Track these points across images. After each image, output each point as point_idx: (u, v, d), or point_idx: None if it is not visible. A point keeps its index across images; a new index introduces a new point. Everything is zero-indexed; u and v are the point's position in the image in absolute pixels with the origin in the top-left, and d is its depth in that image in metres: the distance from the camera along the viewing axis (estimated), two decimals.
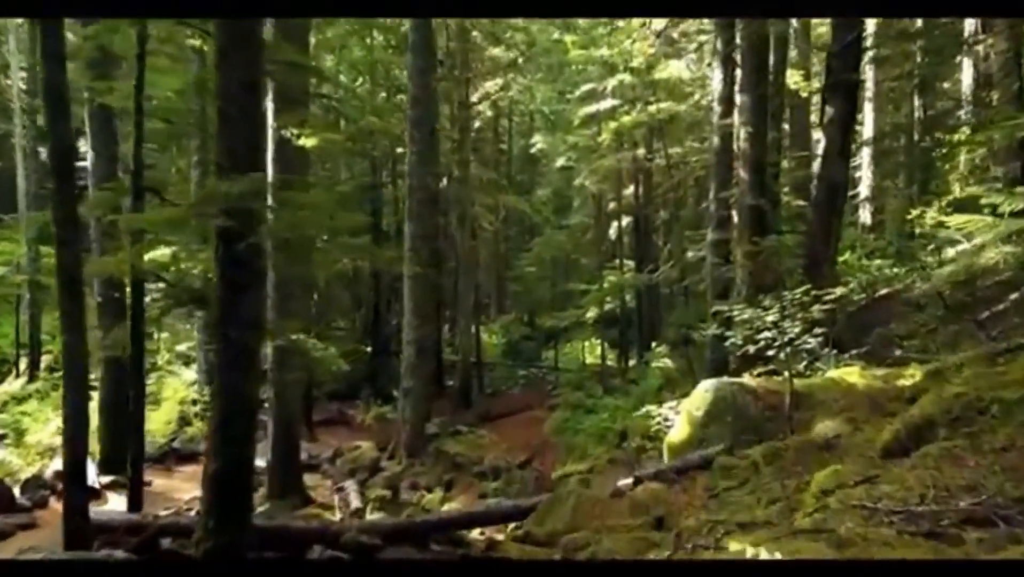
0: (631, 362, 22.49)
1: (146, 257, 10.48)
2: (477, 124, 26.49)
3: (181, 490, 11.16)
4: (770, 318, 7.96)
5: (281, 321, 10.04)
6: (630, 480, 8.00)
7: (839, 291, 7.56)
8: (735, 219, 12.04)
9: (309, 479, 12.14)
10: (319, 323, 26.20)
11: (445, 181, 21.94)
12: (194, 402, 14.17)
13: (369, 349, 22.79)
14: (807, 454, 5.84)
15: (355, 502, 11.00)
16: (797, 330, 8.01)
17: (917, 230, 18.78)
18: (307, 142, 9.76)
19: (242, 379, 5.99)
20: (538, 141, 23.31)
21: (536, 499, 7.78)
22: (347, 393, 20.71)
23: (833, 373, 8.04)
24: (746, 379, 8.10)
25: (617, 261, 23.84)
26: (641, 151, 19.70)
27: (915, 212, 18.11)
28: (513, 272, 27.20)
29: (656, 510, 6.17)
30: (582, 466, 12.10)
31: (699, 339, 16.37)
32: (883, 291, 15.49)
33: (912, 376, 7.29)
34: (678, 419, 8.34)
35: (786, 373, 8.61)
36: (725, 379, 8.11)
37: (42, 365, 16.85)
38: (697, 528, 4.92)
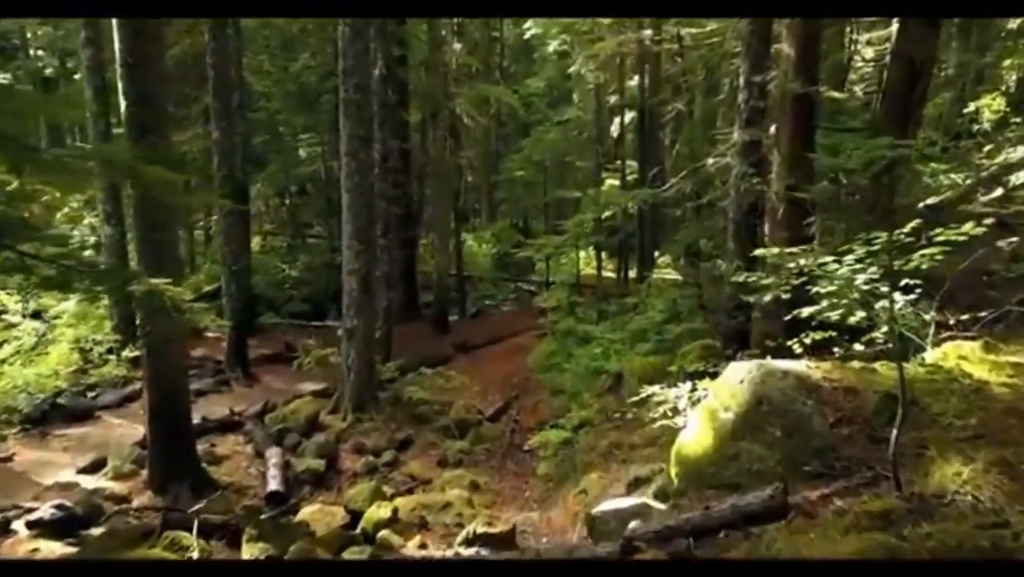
0: (631, 273, 19.51)
1: None
2: None
3: (52, 465, 8.42)
4: (843, 270, 4.85)
5: (141, 266, 7.01)
6: (622, 498, 5.14)
7: (968, 228, 4.38)
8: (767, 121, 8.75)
9: (225, 445, 9.42)
10: (291, 230, 23.22)
11: (424, 72, 18.30)
12: (97, 342, 11.25)
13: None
14: None
15: (274, 483, 8.27)
16: (885, 288, 4.96)
17: (975, 128, 15.30)
18: None
19: None
20: (530, 24, 19.34)
21: None
22: (313, 313, 17.86)
23: (938, 356, 4.97)
24: (801, 363, 5.05)
25: (618, 163, 20.43)
26: (648, 32, 15.89)
27: (974, 105, 14.65)
28: (500, 176, 23.69)
29: None
30: (565, 432, 9.29)
31: (712, 267, 13.28)
32: (929, 201, 12.33)
33: None
34: (695, 416, 5.36)
35: (846, 350, 5.59)
36: (769, 363, 5.06)
37: None
38: None
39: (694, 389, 5.70)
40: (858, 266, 4.81)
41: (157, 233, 7.19)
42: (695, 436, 5.16)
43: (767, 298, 5.78)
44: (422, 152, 18.21)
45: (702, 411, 5.24)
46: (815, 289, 5.66)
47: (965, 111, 14.62)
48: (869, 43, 17.00)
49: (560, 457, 9.10)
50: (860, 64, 17.79)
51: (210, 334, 13.66)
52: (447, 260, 16.34)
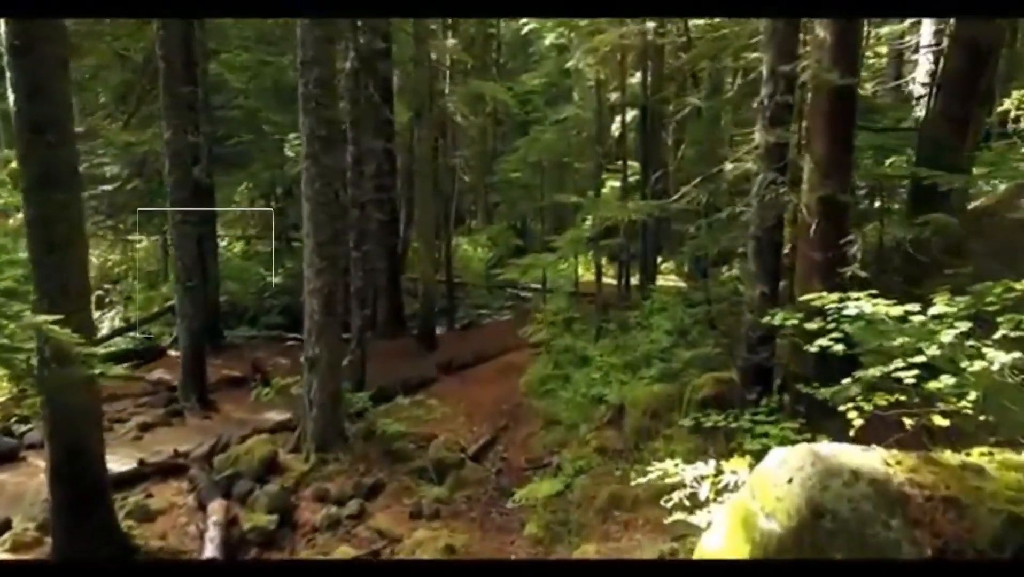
0: (632, 279, 18.05)
1: None
2: None
3: None
4: (944, 335, 3.44)
5: (37, 295, 5.60)
6: None
7: None
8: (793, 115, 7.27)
9: (164, 495, 7.99)
10: (278, 233, 21.74)
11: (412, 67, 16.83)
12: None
13: None
14: None
15: (211, 547, 6.85)
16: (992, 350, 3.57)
17: (1011, 127, 13.81)
18: None
19: None
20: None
21: None
22: (293, 325, 16.38)
23: None
24: (872, 455, 3.60)
25: (619, 163, 18.96)
26: (651, 24, 14.40)
27: (1008, 102, 13.18)
28: (495, 178, 22.21)
29: None
30: (558, 482, 7.85)
31: (723, 279, 11.88)
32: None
33: None
34: (723, 516, 3.91)
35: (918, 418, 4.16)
36: (826, 454, 3.60)
37: None
38: None
39: (719, 472, 4.26)
40: (956, 324, 3.41)
41: (56, 255, 5.77)
42: (725, 549, 3.71)
43: (845, 394, 4.32)
44: (411, 153, 16.78)
45: (733, 512, 3.79)
46: (878, 342, 4.27)
47: (998, 109, 13.13)
48: (878, 39, 15.55)
49: (551, 511, 7.69)
50: (871, 58, 16.33)
51: (172, 353, 12.27)
52: (433, 269, 14.90)
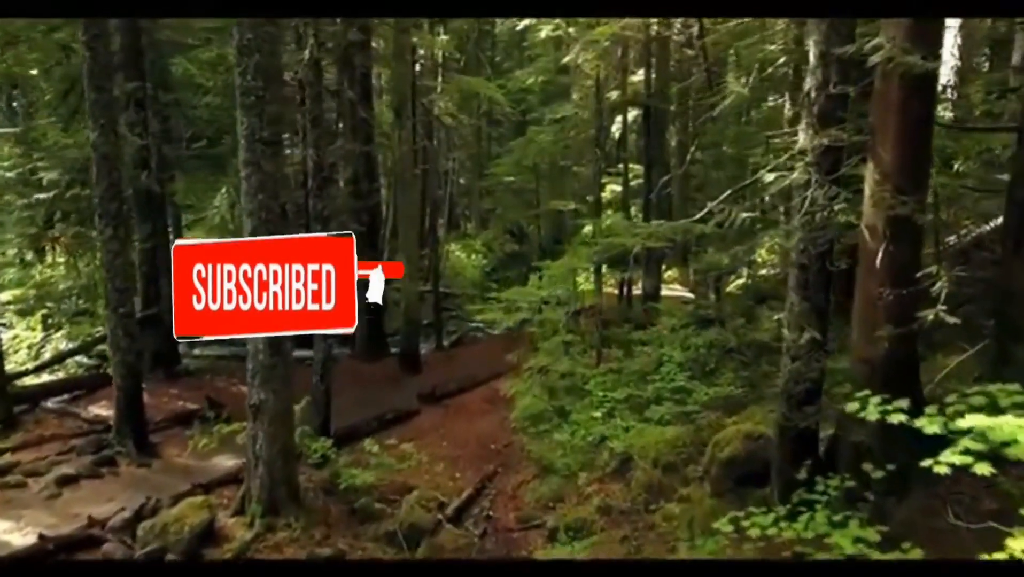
0: (635, 289, 16.42)
1: None
2: None
3: None
4: None
5: None
6: None
7: None
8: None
9: None
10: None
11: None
12: None
13: None
14: None
15: None
16: None
17: None
18: None
19: None
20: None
21: None
22: None
23: None
24: None
25: (620, 166, 17.37)
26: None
27: None
28: (486, 182, 20.54)
29: None
30: (553, 552, 6.23)
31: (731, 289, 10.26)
32: None
33: None
34: None
35: None
36: None
37: None
38: None
39: None
40: None
41: None
42: None
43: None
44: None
45: None
46: None
47: None
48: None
49: None
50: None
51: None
52: (419, 282, 13.25)
